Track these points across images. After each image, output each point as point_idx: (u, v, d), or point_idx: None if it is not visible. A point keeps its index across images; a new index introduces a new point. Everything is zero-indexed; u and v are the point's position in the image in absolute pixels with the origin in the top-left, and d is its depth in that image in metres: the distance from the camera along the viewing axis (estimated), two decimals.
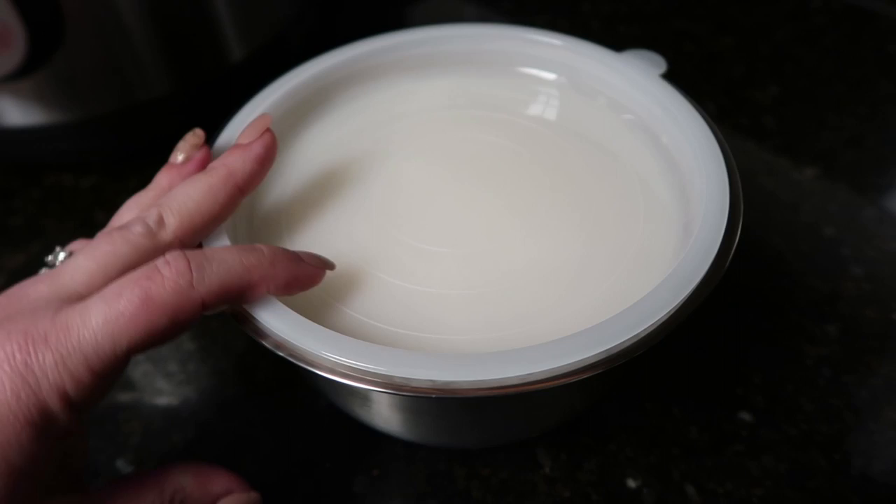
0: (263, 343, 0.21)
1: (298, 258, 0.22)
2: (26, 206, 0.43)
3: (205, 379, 0.33)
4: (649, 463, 0.29)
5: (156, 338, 0.19)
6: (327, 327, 0.21)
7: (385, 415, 0.27)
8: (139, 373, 0.33)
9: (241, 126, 0.28)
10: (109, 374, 0.19)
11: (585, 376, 0.19)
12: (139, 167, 0.44)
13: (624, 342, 0.20)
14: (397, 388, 0.20)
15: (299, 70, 0.31)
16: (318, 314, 0.24)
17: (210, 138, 0.28)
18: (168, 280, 0.19)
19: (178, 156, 0.26)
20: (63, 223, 0.42)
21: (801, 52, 0.52)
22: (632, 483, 0.29)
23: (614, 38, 0.55)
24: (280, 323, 0.21)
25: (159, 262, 0.19)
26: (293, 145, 0.31)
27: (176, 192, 0.23)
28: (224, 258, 0.20)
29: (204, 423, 0.32)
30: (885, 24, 0.54)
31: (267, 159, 0.25)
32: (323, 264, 0.23)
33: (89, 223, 0.42)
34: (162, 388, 0.33)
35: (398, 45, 0.32)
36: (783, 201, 0.40)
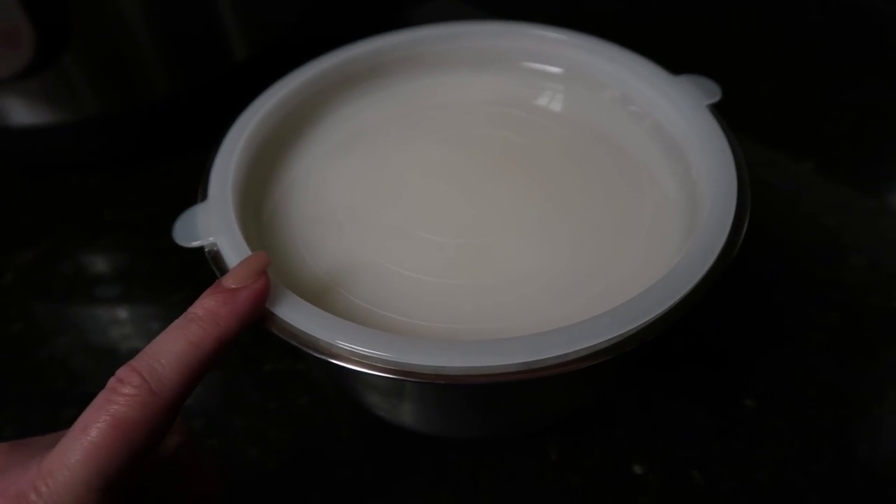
0: (287, 339, 0.21)
1: (231, 293, 0.20)
2: (34, 204, 0.44)
3: (213, 372, 0.33)
4: (655, 449, 0.30)
5: (140, 454, 0.18)
6: (335, 316, 0.21)
7: (405, 407, 0.27)
8: None
9: (250, 121, 0.28)
10: (112, 500, 0.18)
11: (603, 360, 0.20)
12: (145, 166, 0.45)
13: (637, 326, 0.20)
14: (417, 376, 0.20)
15: (311, 65, 0.31)
16: (325, 303, 0.24)
17: (218, 137, 0.28)
18: (129, 397, 0.18)
19: (230, 281, 0.21)
20: (70, 221, 0.43)
21: (799, 45, 0.52)
22: (638, 469, 0.29)
23: (613, 31, 0.55)
24: (295, 314, 0.21)
25: (112, 383, 0.18)
26: (303, 141, 0.31)
27: (158, 350, 0.19)
28: (169, 348, 0.19)
29: (211, 414, 0.32)
30: (881, 17, 0.54)
31: (255, 311, 0.21)
32: (254, 272, 0.21)
33: (96, 221, 0.42)
34: None
35: (415, 41, 0.33)
36: (783, 192, 0.41)
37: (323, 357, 0.21)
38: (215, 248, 0.23)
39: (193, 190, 0.26)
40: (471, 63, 0.33)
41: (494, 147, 0.30)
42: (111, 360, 0.34)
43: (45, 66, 0.38)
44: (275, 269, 0.23)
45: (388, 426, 0.30)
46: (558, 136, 0.30)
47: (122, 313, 0.37)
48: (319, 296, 0.24)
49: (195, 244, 0.24)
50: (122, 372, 0.19)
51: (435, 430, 0.30)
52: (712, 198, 0.24)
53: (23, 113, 0.41)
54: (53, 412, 0.33)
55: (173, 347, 0.19)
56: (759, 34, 0.54)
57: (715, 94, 0.28)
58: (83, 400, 0.18)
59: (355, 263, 0.25)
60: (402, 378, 0.20)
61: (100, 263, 0.40)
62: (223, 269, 0.23)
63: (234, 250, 0.23)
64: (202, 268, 0.23)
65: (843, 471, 0.29)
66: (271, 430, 0.31)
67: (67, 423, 0.18)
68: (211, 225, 0.24)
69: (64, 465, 0.17)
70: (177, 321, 0.20)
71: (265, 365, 0.34)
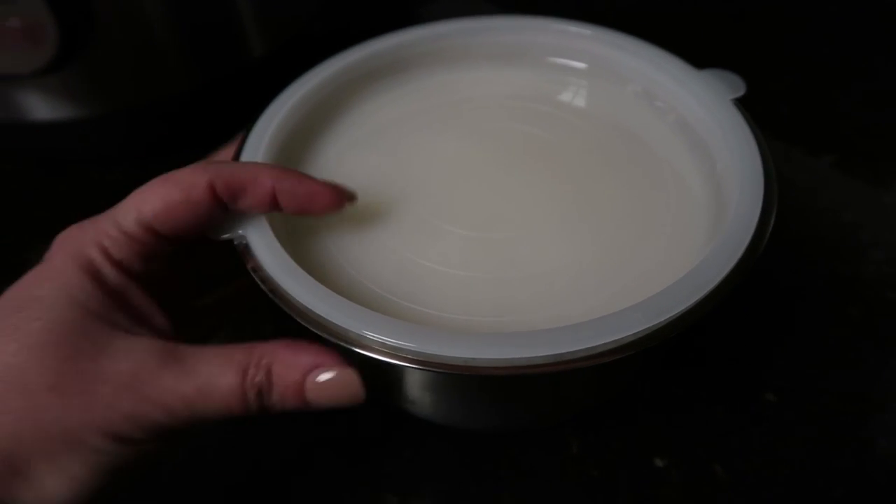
0: (314, 330, 0.21)
1: (303, 177, 0.24)
2: (52, 199, 0.44)
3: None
4: (676, 443, 0.30)
5: (173, 214, 0.22)
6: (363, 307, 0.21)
7: (428, 399, 0.27)
8: None
9: (276, 114, 0.28)
10: (140, 239, 0.22)
11: (631, 353, 0.20)
12: (164, 160, 0.45)
13: (666, 319, 0.20)
14: (443, 367, 0.20)
15: (335, 60, 0.31)
16: (350, 294, 0.24)
17: (244, 129, 0.28)
18: (183, 170, 0.22)
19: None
20: (89, 216, 0.43)
21: (817, 39, 0.52)
22: (659, 462, 0.29)
23: (630, 24, 0.55)
24: (319, 301, 0.21)
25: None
26: (328, 134, 0.31)
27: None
28: (236, 164, 0.23)
29: None
30: None
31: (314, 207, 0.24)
32: (336, 190, 0.24)
33: None
34: None
35: (438, 36, 0.33)
36: (801, 188, 0.41)
37: (350, 347, 0.21)
38: (244, 242, 0.23)
39: None
40: (493, 58, 0.34)
41: (517, 142, 0.30)
42: None
43: (68, 62, 0.38)
44: (301, 260, 0.23)
45: (410, 419, 0.31)
46: (582, 132, 0.30)
47: None
48: (345, 287, 0.24)
49: (224, 237, 0.24)
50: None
51: (457, 423, 0.30)
52: (739, 193, 0.24)
53: (43, 108, 0.41)
54: None
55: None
56: (776, 27, 0.54)
57: (739, 88, 0.28)
58: None
59: (380, 255, 0.26)
60: (429, 369, 0.20)
61: None
62: (253, 262, 0.23)
63: (263, 243, 0.23)
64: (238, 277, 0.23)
65: (863, 465, 0.29)
66: (295, 423, 0.31)
67: None
68: (239, 217, 0.24)
69: (119, 204, 0.22)
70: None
71: None
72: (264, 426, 0.32)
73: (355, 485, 0.29)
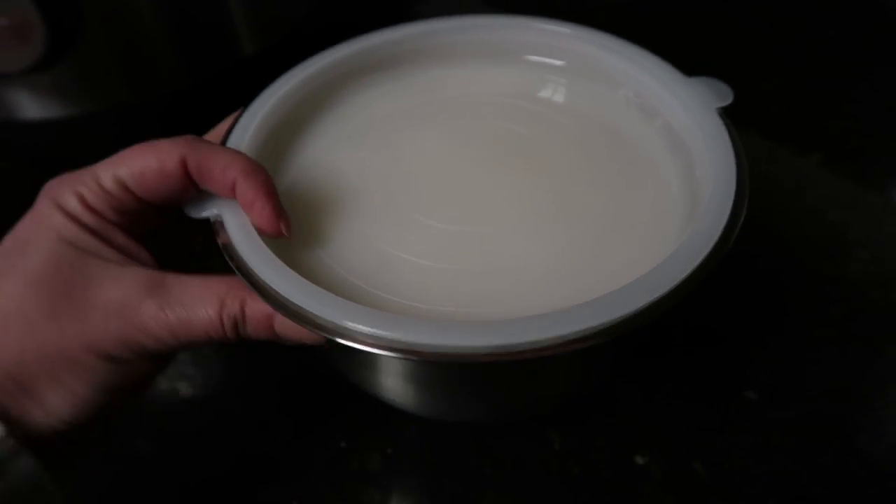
0: (261, 297, 0.22)
1: (260, 187, 0.24)
2: None
3: (223, 362, 0.34)
4: (657, 440, 0.30)
5: (146, 179, 0.23)
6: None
7: (402, 388, 0.27)
8: None
9: (265, 104, 0.29)
10: (115, 195, 0.23)
11: (597, 342, 0.20)
12: None
13: (611, 321, 0.20)
14: (383, 348, 0.20)
15: (316, 59, 0.32)
16: (316, 277, 0.25)
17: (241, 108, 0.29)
18: (164, 141, 0.23)
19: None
20: None
21: (804, 39, 0.52)
22: (640, 460, 0.29)
23: (619, 26, 0.55)
24: (280, 280, 0.22)
25: None
26: (312, 132, 0.31)
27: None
28: (214, 147, 0.24)
29: (222, 406, 0.33)
30: (887, 13, 0.54)
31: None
32: (276, 220, 0.24)
33: None
34: (183, 371, 0.34)
35: (421, 34, 0.33)
36: (787, 187, 0.41)
37: (308, 327, 0.21)
38: (220, 219, 0.24)
39: None
40: (482, 56, 0.34)
41: (501, 139, 0.30)
42: None
43: (56, 61, 0.38)
44: (280, 250, 0.23)
45: (394, 416, 0.31)
46: (566, 130, 0.31)
47: None
48: (316, 272, 0.25)
49: (203, 215, 0.24)
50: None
51: (427, 413, 0.31)
52: (708, 202, 0.24)
53: (34, 107, 0.41)
54: None
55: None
56: (765, 27, 0.54)
57: (726, 96, 0.28)
58: None
59: (356, 245, 0.26)
60: (364, 348, 0.20)
61: None
62: (224, 239, 0.23)
63: (236, 222, 0.24)
64: (217, 258, 0.24)
65: (844, 463, 0.29)
66: (281, 422, 0.32)
67: None
68: (217, 197, 0.24)
69: (97, 164, 0.24)
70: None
71: (275, 358, 0.34)
72: (248, 422, 0.32)
73: (338, 481, 0.30)
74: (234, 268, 0.23)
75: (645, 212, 0.27)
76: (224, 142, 0.27)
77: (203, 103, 0.45)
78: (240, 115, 0.29)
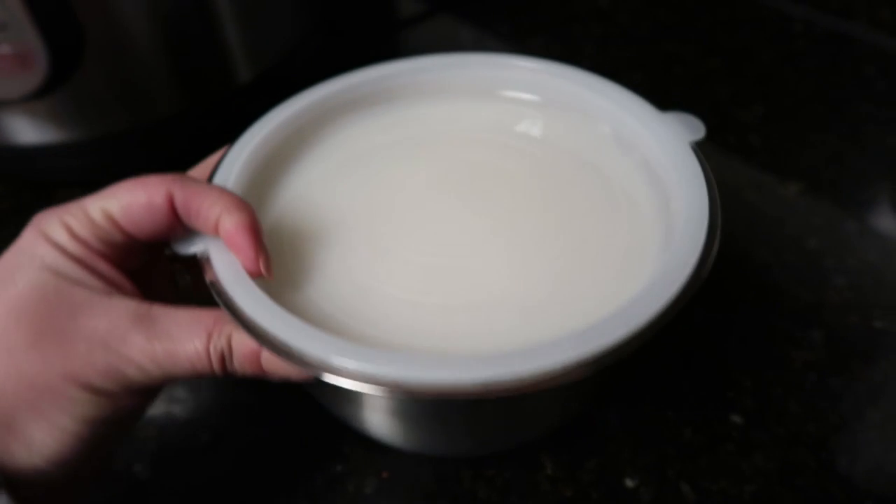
0: (247, 332, 0.22)
1: (243, 227, 0.24)
2: None
3: (219, 385, 0.34)
4: (646, 463, 0.31)
5: (134, 214, 0.23)
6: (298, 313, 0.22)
7: (384, 422, 0.28)
8: None
9: (251, 141, 0.30)
10: (103, 227, 0.23)
11: (573, 378, 0.21)
12: None
13: (598, 351, 0.21)
14: (399, 391, 0.20)
15: (300, 97, 0.32)
16: (314, 318, 0.25)
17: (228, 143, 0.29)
18: (153, 176, 0.24)
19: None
20: None
21: (785, 73, 0.54)
22: (630, 482, 0.30)
23: (607, 60, 0.57)
24: (287, 329, 0.22)
25: None
26: (297, 168, 0.32)
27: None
28: (201, 186, 0.24)
29: (218, 428, 0.33)
30: (863, 48, 0.56)
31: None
32: (258, 260, 0.24)
33: None
34: (177, 394, 0.34)
35: (393, 74, 0.34)
36: (769, 215, 0.42)
37: (294, 362, 0.21)
38: (207, 256, 0.24)
39: None
40: (461, 93, 0.35)
41: (482, 173, 0.31)
42: None
43: (58, 87, 0.39)
44: (267, 286, 0.24)
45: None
46: (542, 163, 0.32)
47: None
48: (307, 312, 0.25)
49: (190, 252, 0.25)
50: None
51: (412, 447, 0.31)
52: (680, 237, 0.24)
53: (31, 132, 0.42)
54: None
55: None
56: (745, 60, 0.56)
57: (699, 131, 0.29)
58: None
59: (345, 281, 0.27)
60: (357, 387, 0.21)
61: None
62: (211, 276, 0.24)
63: (222, 259, 0.24)
64: (203, 294, 0.24)
65: (824, 484, 0.30)
66: (277, 445, 0.32)
67: None
68: (207, 239, 0.25)
69: (85, 198, 0.24)
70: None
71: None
72: (242, 445, 0.32)
73: None
74: (221, 303, 0.23)
75: (621, 245, 0.28)
76: (211, 178, 0.28)
77: (198, 130, 0.46)
78: (227, 152, 0.29)
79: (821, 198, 0.43)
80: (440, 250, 0.28)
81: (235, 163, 0.28)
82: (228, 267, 0.24)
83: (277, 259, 0.27)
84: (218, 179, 0.28)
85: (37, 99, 0.39)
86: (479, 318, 0.25)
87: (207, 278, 0.24)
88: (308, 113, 0.32)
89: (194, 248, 0.25)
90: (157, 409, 0.34)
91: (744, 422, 0.32)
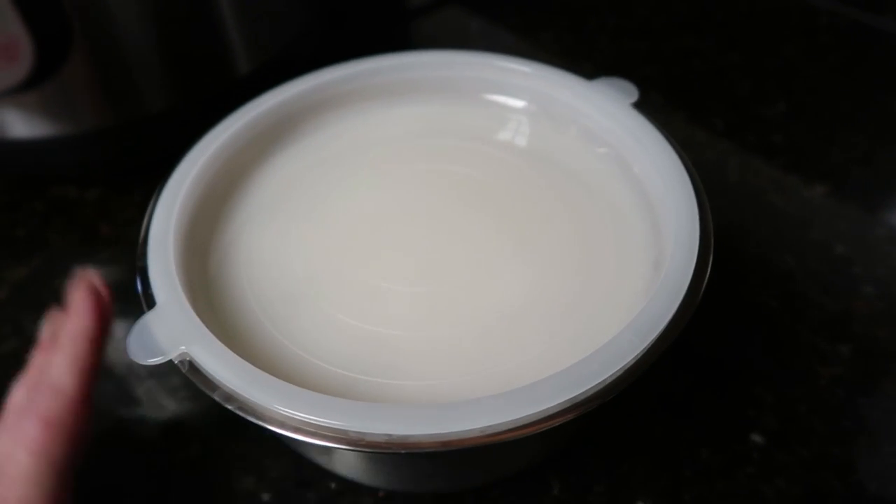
0: (213, 395, 0.21)
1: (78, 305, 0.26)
2: (30, 218, 0.43)
3: (209, 398, 0.33)
4: (660, 486, 0.29)
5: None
6: (280, 371, 0.21)
7: (349, 464, 0.26)
8: (142, 389, 0.33)
9: (197, 160, 0.28)
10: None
11: (549, 425, 0.19)
12: (144, 180, 0.44)
13: (581, 393, 0.19)
14: (352, 444, 0.19)
15: (264, 98, 0.31)
16: (270, 358, 0.23)
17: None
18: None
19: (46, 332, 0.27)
20: (67, 235, 0.42)
21: (809, 68, 0.52)
22: None
23: (621, 53, 0.55)
24: (232, 374, 0.20)
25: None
26: (256, 176, 0.30)
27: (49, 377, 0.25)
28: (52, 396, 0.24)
29: (207, 439, 0.31)
30: (891, 41, 0.54)
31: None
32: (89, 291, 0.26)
33: (93, 235, 0.42)
34: (165, 404, 0.33)
35: (363, 73, 0.32)
36: (793, 219, 0.40)
37: (261, 423, 0.20)
38: (187, 358, 0.21)
39: None
40: (422, 93, 0.32)
41: (450, 184, 0.29)
42: (107, 377, 0.33)
43: (44, 79, 0.37)
44: (223, 334, 0.22)
45: None
46: (515, 170, 0.30)
47: (119, 330, 0.36)
48: (263, 351, 0.24)
49: (162, 360, 0.21)
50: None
51: (400, 488, 0.30)
52: (671, 256, 0.23)
53: (21, 126, 0.40)
54: None
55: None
56: (767, 55, 0.54)
57: (633, 94, 0.29)
58: None
59: (303, 313, 0.25)
60: (349, 448, 0.19)
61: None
62: (204, 380, 0.21)
63: (212, 357, 0.21)
64: None
65: None
66: (269, 459, 0.30)
67: None
68: (175, 335, 0.22)
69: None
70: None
71: None
72: (237, 463, 0.31)
73: None
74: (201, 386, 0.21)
75: (610, 256, 0.26)
76: (147, 226, 0.25)
77: (194, 123, 0.44)
78: (158, 196, 0.27)
79: (848, 200, 0.41)
80: (418, 278, 0.26)
81: (166, 242, 0.25)
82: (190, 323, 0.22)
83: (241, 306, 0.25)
84: (154, 231, 0.25)
85: (23, 92, 0.38)
86: (449, 353, 0.23)
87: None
88: (270, 117, 0.31)
89: (165, 357, 0.22)
90: (145, 418, 0.32)
91: (765, 442, 0.30)
